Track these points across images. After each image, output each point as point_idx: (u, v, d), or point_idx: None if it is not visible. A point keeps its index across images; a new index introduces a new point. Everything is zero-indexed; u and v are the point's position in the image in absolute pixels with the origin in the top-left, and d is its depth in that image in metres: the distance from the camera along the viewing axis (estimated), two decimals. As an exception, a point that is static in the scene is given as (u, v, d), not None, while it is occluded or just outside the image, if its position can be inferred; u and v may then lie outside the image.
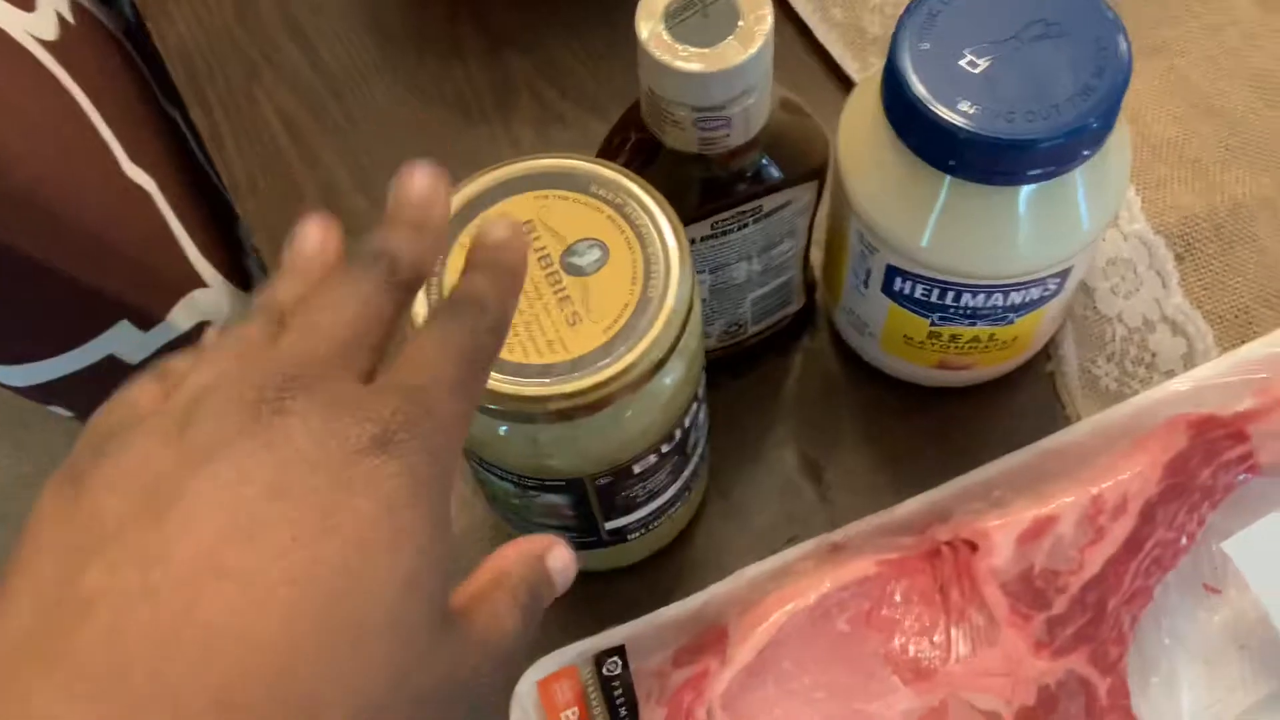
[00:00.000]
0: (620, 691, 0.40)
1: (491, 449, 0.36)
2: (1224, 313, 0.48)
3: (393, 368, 0.24)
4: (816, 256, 0.50)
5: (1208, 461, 0.40)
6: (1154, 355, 0.48)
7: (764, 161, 0.39)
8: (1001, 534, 0.40)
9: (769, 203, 0.41)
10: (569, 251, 0.34)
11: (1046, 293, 0.41)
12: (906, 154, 0.38)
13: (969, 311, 0.42)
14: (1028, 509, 0.40)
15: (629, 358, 0.32)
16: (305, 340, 0.23)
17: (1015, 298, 0.41)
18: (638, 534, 0.42)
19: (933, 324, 0.43)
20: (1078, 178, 0.38)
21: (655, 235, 0.34)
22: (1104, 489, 0.40)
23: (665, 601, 0.45)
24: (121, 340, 0.51)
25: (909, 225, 0.40)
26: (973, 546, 0.40)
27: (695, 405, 0.38)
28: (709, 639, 0.40)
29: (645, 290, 0.33)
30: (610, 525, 0.41)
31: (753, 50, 0.35)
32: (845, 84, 0.56)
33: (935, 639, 0.39)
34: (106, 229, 0.49)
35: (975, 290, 0.40)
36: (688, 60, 0.34)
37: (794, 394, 0.50)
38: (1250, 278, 0.49)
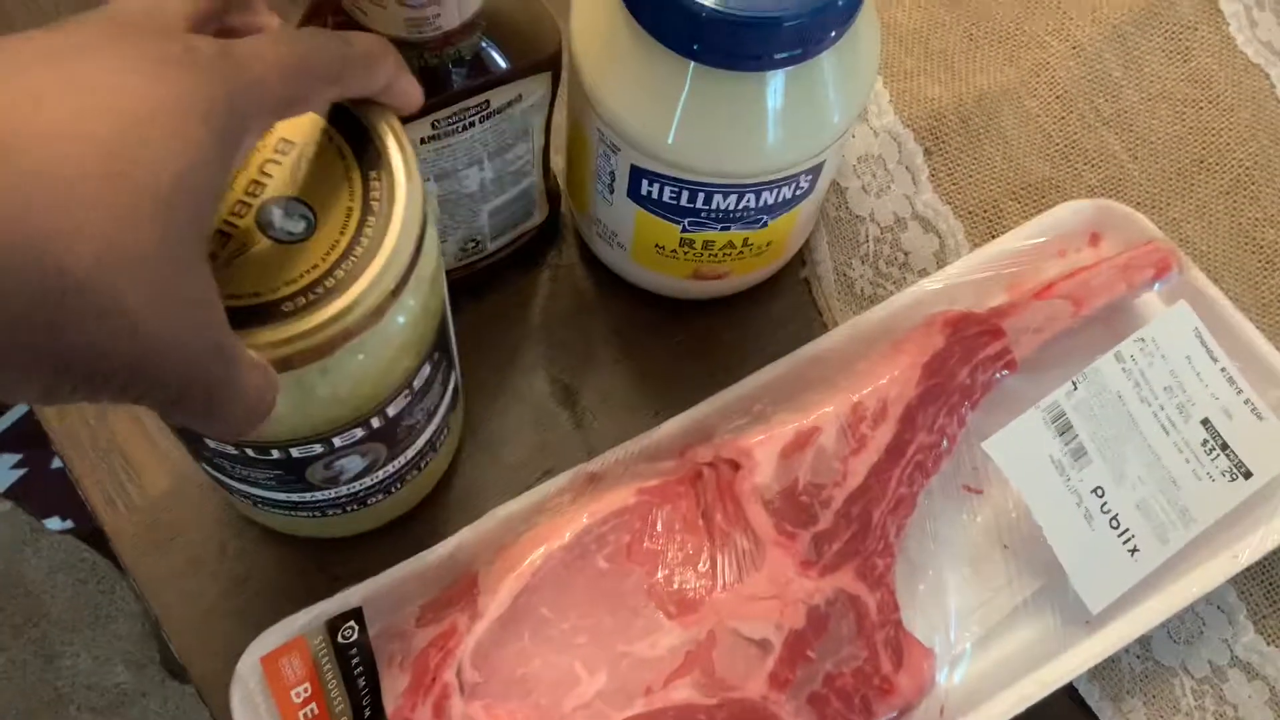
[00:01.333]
0: (358, 659, 0.35)
1: None
2: (973, 207, 0.47)
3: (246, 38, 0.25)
4: (559, 164, 0.46)
5: (966, 360, 0.39)
6: (907, 254, 0.46)
7: (484, 46, 0.35)
8: (763, 450, 0.37)
9: (496, 98, 0.36)
10: (278, 204, 0.28)
11: (800, 191, 0.39)
12: (646, 40, 0.35)
13: (721, 214, 0.39)
14: (789, 421, 0.38)
15: (353, 291, 0.27)
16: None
17: (768, 197, 0.38)
18: (398, 484, 0.38)
19: (684, 229, 0.40)
20: (826, 65, 0.35)
21: (375, 146, 0.29)
22: (864, 395, 0.38)
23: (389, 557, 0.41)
24: None
25: (652, 119, 0.36)
26: (735, 465, 0.37)
27: (446, 319, 0.34)
28: (457, 592, 0.36)
29: (364, 214, 0.28)
30: (347, 489, 0.36)
31: None
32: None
33: (700, 567, 0.36)
34: None
35: (726, 191, 0.37)
36: None
37: (542, 315, 0.46)
38: (997, 171, 0.48)
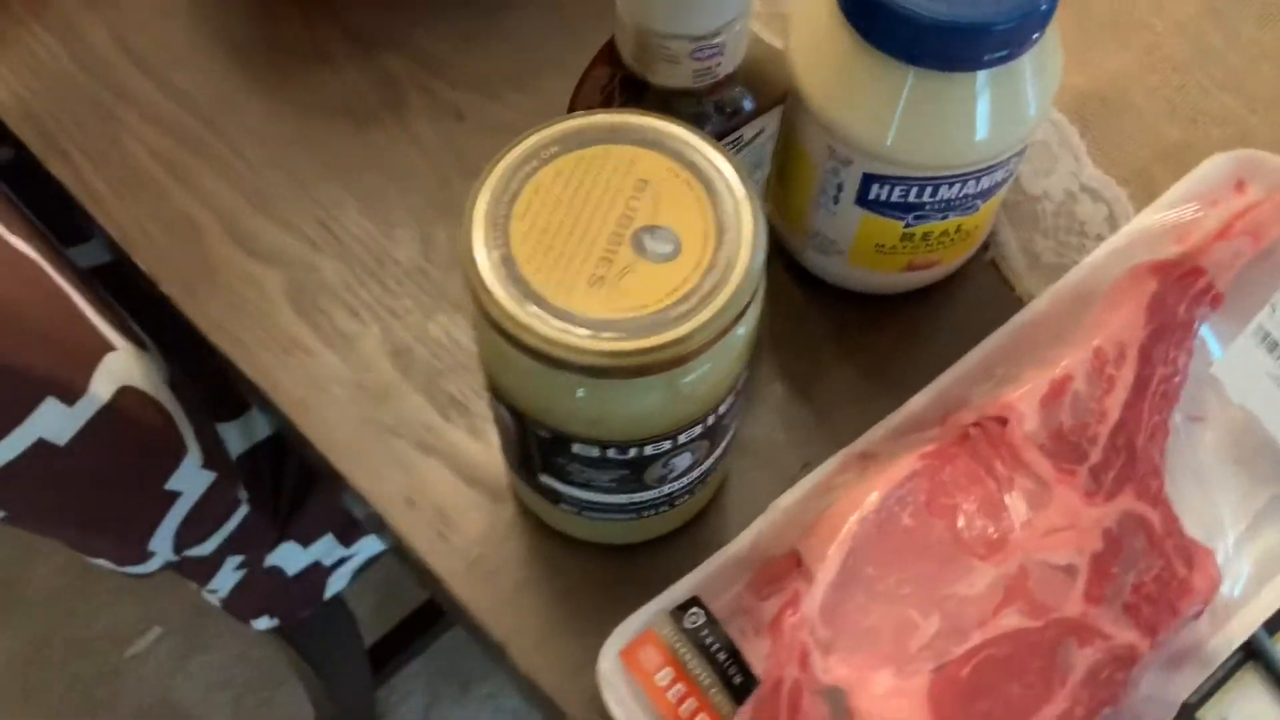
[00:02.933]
0: (712, 639, 0.39)
1: (580, 413, 0.35)
2: (1128, 175, 0.52)
3: None
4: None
5: (1180, 298, 0.44)
6: (1082, 224, 0.51)
7: (743, 88, 0.40)
8: (1025, 403, 0.42)
9: (748, 131, 0.41)
10: (647, 231, 0.33)
11: (1007, 175, 0.44)
12: (869, 54, 0.40)
13: (943, 205, 0.43)
14: (1039, 376, 0.43)
15: (722, 297, 0.32)
16: None
17: (985, 182, 0.43)
18: (701, 485, 0.42)
19: (906, 225, 0.44)
20: (1025, 60, 0.41)
21: (714, 175, 0.34)
22: (1101, 341, 0.43)
23: (699, 562, 0.45)
24: (49, 420, 0.46)
25: (881, 127, 0.41)
26: (1001, 421, 0.42)
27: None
28: (782, 567, 0.40)
29: (720, 232, 0.33)
30: (670, 487, 0.40)
31: None
32: None
33: (995, 512, 0.40)
34: (9, 302, 0.44)
35: (951, 181, 0.42)
36: None
37: (767, 330, 0.50)
38: (1140, 141, 0.53)
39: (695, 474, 0.40)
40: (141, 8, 0.57)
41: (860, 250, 0.46)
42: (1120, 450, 0.41)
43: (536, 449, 0.38)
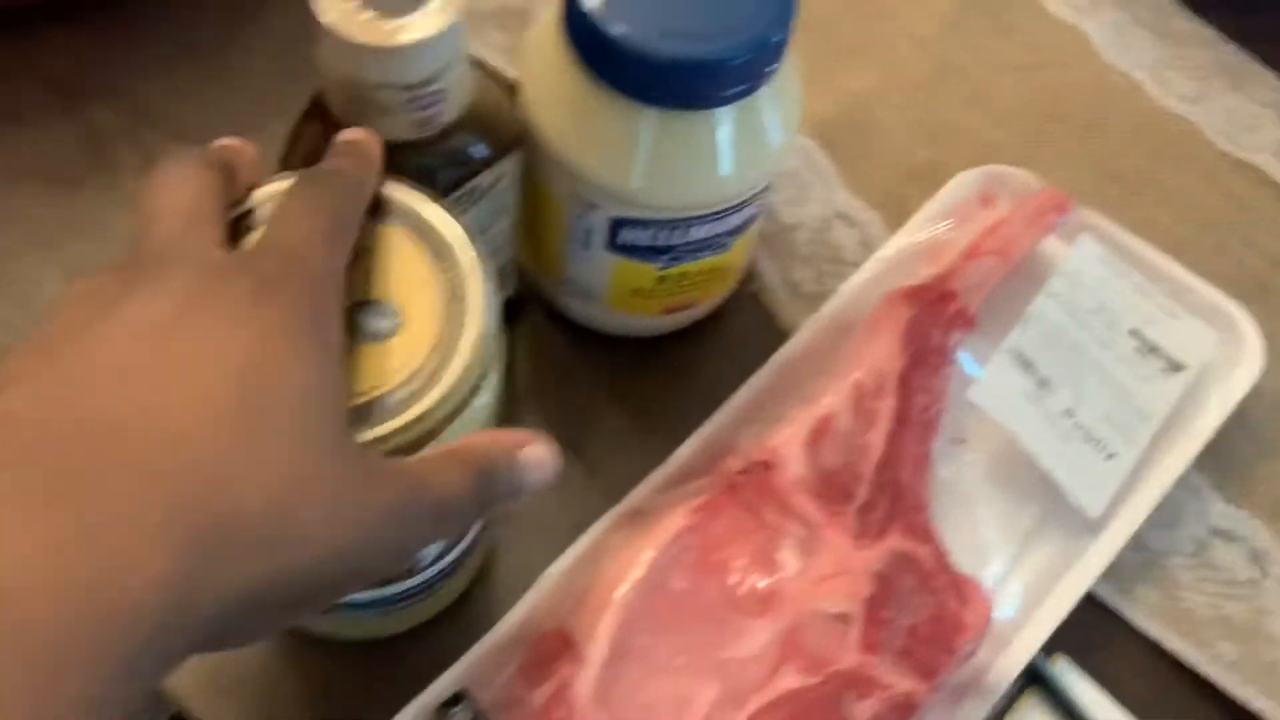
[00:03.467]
0: (479, 737, 0.36)
1: None
2: (880, 198, 0.52)
3: (265, 231, 0.27)
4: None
5: (934, 324, 0.43)
6: (838, 250, 0.50)
7: (473, 135, 0.37)
8: (789, 446, 0.40)
9: (486, 179, 0.38)
10: (362, 309, 0.30)
11: (756, 210, 0.43)
12: (604, 94, 0.38)
13: (696, 245, 0.42)
14: (803, 415, 0.41)
15: (453, 371, 0.29)
16: (158, 225, 0.26)
17: (735, 219, 0.42)
18: (443, 582, 0.39)
19: (661, 267, 0.43)
20: (764, 92, 0.39)
21: (455, 256, 0.31)
22: (860, 375, 0.42)
23: (453, 641, 0.42)
24: None
25: (623, 169, 0.39)
26: (767, 466, 0.40)
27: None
28: (551, 648, 0.38)
29: (447, 318, 0.30)
30: (423, 576, 0.37)
31: (456, 8, 0.32)
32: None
33: (766, 565, 0.39)
34: None
35: (702, 221, 0.41)
36: (393, 34, 0.31)
37: (530, 383, 0.48)
38: (889, 161, 0.53)
39: (449, 558, 0.37)
40: None
41: (617, 296, 0.44)
42: (886, 487, 0.40)
43: None
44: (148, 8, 0.53)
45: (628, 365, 0.48)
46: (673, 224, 0.41)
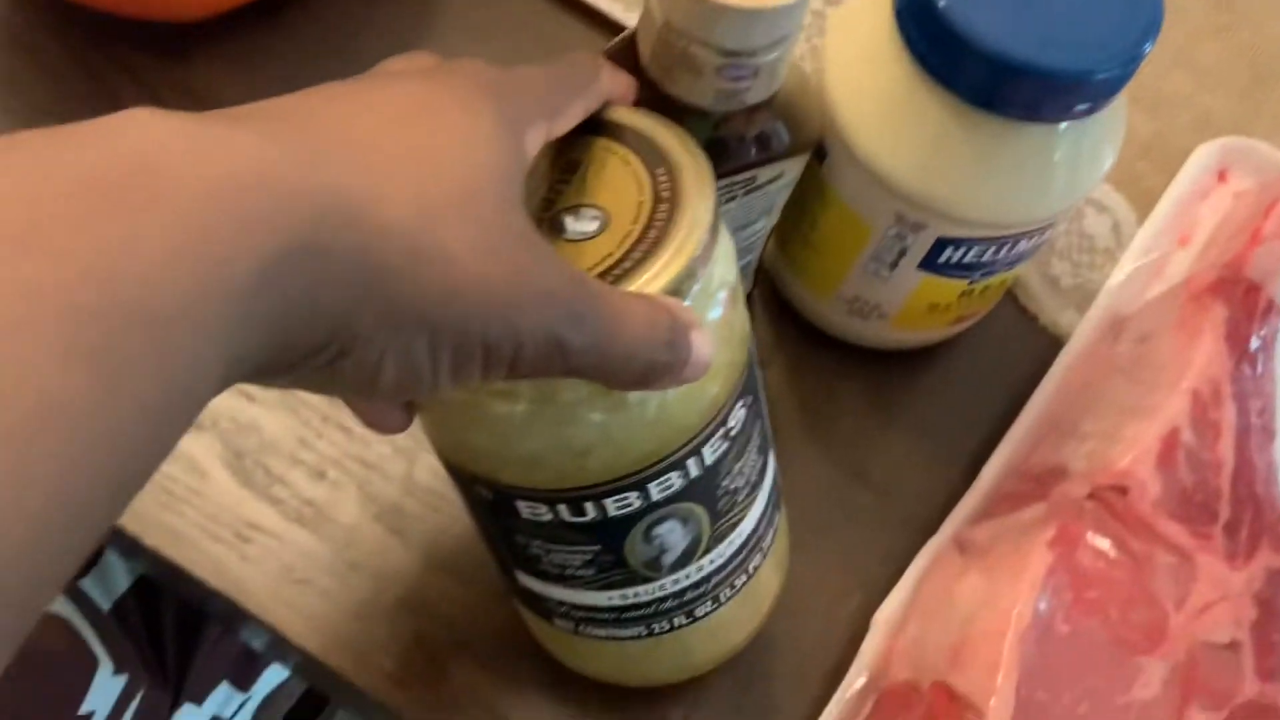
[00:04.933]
0: (885, 814, 0.34)
1: (508, 450, 0.29)
2: (1120, 178, 0.49)
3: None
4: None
5: (1249, 320, 0.41)
6: (1092, 238, 0.48)
7: (773, 125, 0.34)
8: (1142, 466, 0.38)
9: (764, 174, 0.35)
10: (568, 213, 0.28)
11: (1068, 214, 0.40)
12: (951, 105, 0.34)
13: (1016, 258, 0.39)
14: (1137, 430, 0.39)
15: (650, 269, 0.26)
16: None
17: (1053, 232, 0.39)
18: (728, 590, 0.34)
19: (970, 283, 0.40)
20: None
21: (654, 145, 0.29)
22: (1193, 383, 0.40)
23: (771, 693, 0.40)
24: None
25: (967, 186, 0.36)
26: (1121, 490, 0.38)
27: (753, 357, 0.32)
28: (934, 703, 0.35)
29: (655, 202, 0.28)
30: (675, 579, 0.33)
31: None
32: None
33: (1146, 597, 0.37)
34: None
35: (1030, 234, 0.38)
36: None
37: (794, 404, 0.45)
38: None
39: (706, 567, 0.33)
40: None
41: (910, 313, 0.41)
42: (1245, 501, 0.38)
43: (491, 524, 0.32)
44: (309, 19, 0.48)
45: (896, 380, 0.45)
46: (1001, 241, 0.38)
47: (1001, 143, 0.35)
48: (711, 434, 0.30)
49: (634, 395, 0.27)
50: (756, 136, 0.34)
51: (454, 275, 0.21)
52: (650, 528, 0.30)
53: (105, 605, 0.55)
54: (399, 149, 0.22)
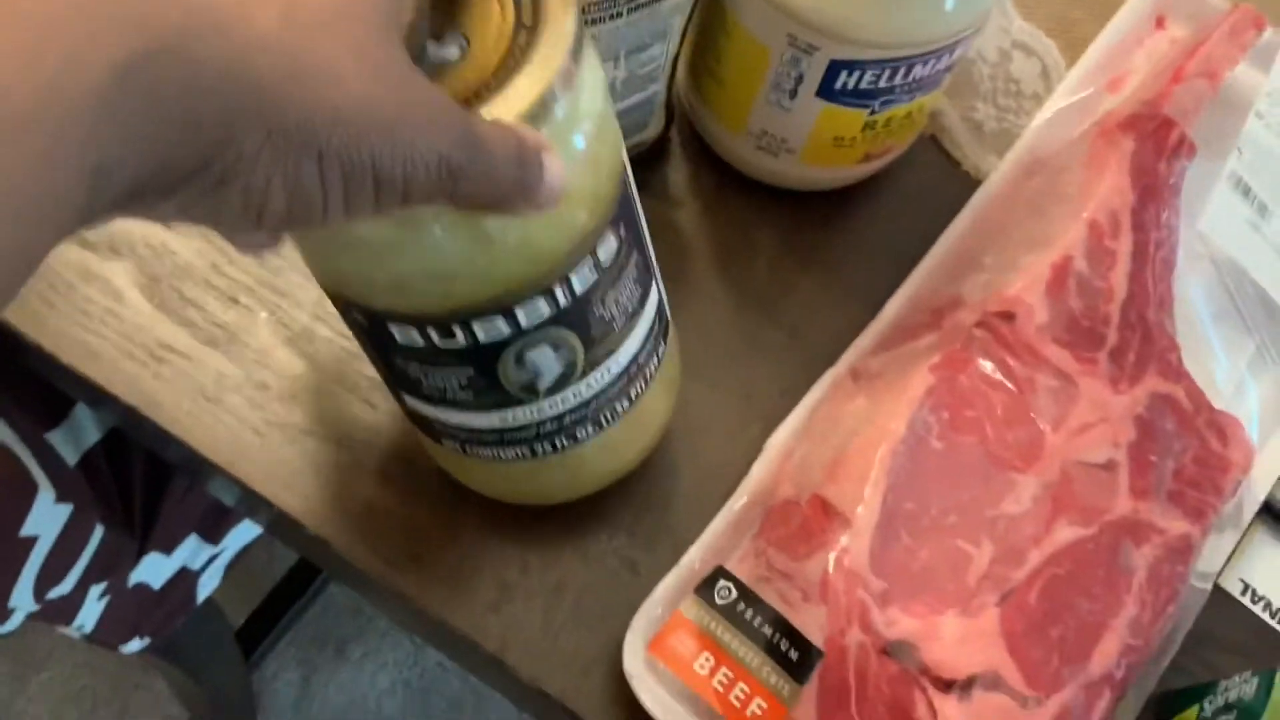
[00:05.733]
0: (752, 612, 0.35)
1: (376, 274, 0.29)
2: (1051, 24, 0.49)
3: None
4: (680, 80, 0.45)
5: (1159, 154, 0.41)
6: (1018, 82, 0.48)
7: None
8: (1030, 293, 0.38)
9: None
10: (421, 43, 0.27)
11: (971, 42, 0.40)
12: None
13: (912, 86, 0.39)
14: (1033, 261, 0.39)
15: (506, 96, 0.26)
16: None
17: (956, 53, 0.39)
18: (609, 414, 0.35)
19: (871, 112, 0.40)
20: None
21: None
22: (1093, 213, 0.40)
23: (668, 514, 0.41)
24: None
25: (859, 5, 0.36)
26: (1008, 316, 0.38)
27: (628, 190, 0.32)
28: (809, 515, 0.36)
29: (516, 30, 0.27)
30: (584, 386, 0.33)
31: None
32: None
33: (1023, 417, 0.37)
34: None
35: (925, 58, 0.38)
36: None
37: (710, 244, 0.45)
38: (1056, -15, 0.50)
39: (583, 391, 0.34)
40: None
41: (815, 147, 0.42)
42: (1134, 327, 0.38)
43: (371, 349, 0.33)
44: None
45: (813, 222, 0.46)
46: (894, 63, 0.37)
47: (891, -41, 0.35)
48: (579, 262, 0.30)
49: (494, 221, 0.27)
50: None
51: (339, 96, 0.21)
52: (521, 352, 0.31)
53: (73, 459, 0.57)
54: None
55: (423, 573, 0.39)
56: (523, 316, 0.30)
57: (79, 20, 0.18)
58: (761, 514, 0.39)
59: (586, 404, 0.34)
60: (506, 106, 0.26)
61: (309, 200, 0.21)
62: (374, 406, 0.41)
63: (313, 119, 0.20)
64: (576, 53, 0.27)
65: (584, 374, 0.33)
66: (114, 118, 0.18)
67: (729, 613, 0.35)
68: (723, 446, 0.42)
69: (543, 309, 0.30)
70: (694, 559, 0.37)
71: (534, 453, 0.35)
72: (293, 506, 0.39)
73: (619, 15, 0.36)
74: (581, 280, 0.30)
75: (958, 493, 0.36)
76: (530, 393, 0.32)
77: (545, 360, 0.32)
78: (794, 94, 0.39)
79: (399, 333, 0.30)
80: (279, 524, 0.41)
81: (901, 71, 0.38)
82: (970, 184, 0.46)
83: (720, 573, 0.36)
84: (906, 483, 0.36)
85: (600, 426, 0.35)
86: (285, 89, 0.20)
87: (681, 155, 0.46)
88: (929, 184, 0.47)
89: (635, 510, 0.41)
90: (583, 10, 0.34)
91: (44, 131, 0.17)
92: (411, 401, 0.34)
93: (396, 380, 0.34)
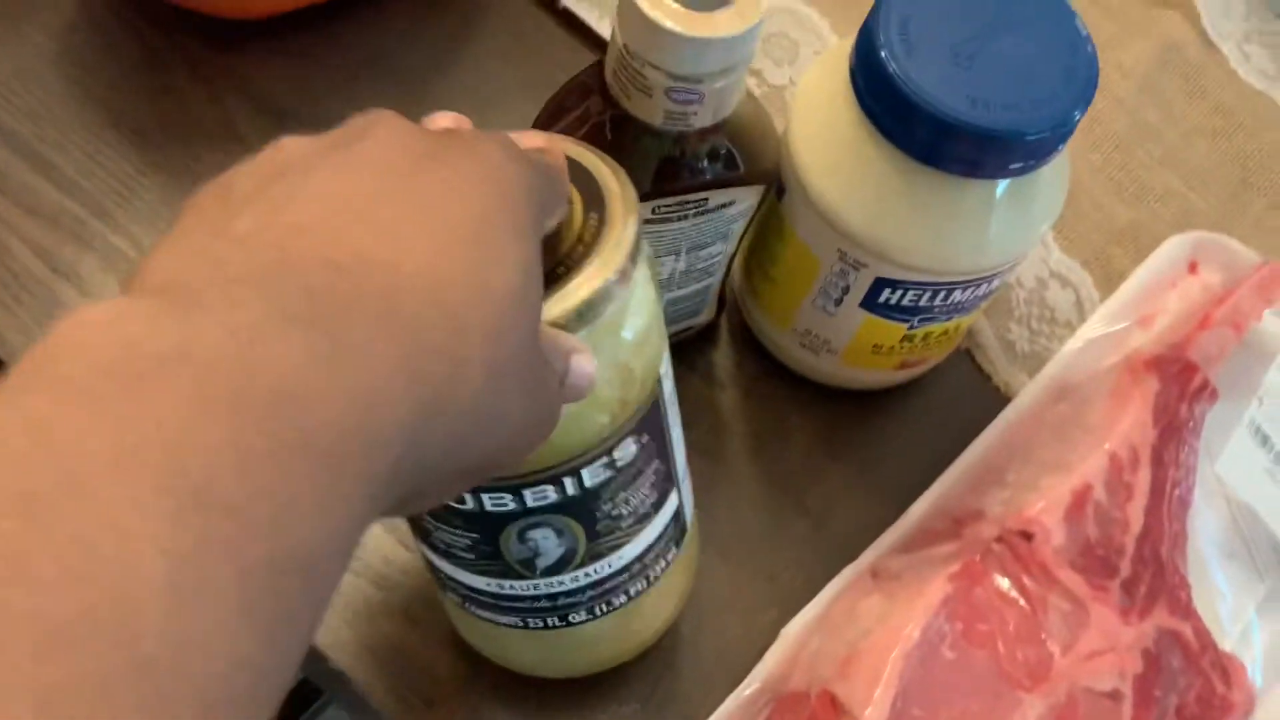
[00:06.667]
0: (753, 802, 0.36)
1: None
2: (1088, 258, 0.52)
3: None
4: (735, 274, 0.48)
5: (1181, 396, 0.43)
6: (1052, 310, 0.50)
7: (724, 151, 0.37)
8: (1049, 516, 0.40)
9: (716, 198, 0.38)
10: None
11: (1009, 274, 0.42)
12: (897, 157, 0.37)
13: (952, 307, 0.41)
14: (1054, 484, 0.41)
15: (581, 275, 0.28)
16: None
17: (995, 283, 0.41)
18: (604, 606, 0.36)
19: (910, 327, 0.42)
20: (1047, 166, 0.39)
21: (599, 188, 0.30)
22: (1114, 446, 0.41)
23: (680, 685, 0.42)
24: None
25: (906, 232, 0.38)
26: (1026, 536, 0.40)
27: (660, 401, 0.33)
28: (817, 710, 0.37)
29: (576, 242, 0.29)
30: (581, 574, 0.34)
31: (750, 24, 0.33)
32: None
33: (1034, 637, 0.38)
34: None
35: (965, 285, 0.40)
36: (676, 20, 0.32)
37: (746, 430, 0.47)
38: (1094, 222, 0.53)
39: (581, 579, 0.34)
40: (17, 87, 0.49)
41: (856, 351, 0.44)
42: (1148, 561, 0.40)
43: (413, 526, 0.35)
44: (358, 28, 0.53)
45: (847, 418, 0.48)
46: (936, 287, 0.40)
47: (940, 196, 0.38)
48: (592, 460, 0.31)
49: None
50: (708, 158, 0.37)
51: (504, 437, 0.23)
52: (525, 530, 0.32)
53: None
54: (471, 290, 0.22)
55: (435, 718, 0.40)
56: (529, 497, 0.31)
57: (360, 451, 0.19)
58: (772, 701, 0.39)
59: (582, 590, 0.35)
60: (559, 303, 0.27)
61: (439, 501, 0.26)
62: (408, 548, 0.43)
63: (487, 461, 0.24)
64: (633, 259, 0.29)
65: (583, 564, 0.34)
66: (398, 463, 0.20)
67: (730, 800, 0.36)
68: (740, 625, 0.43)
69: (549, 494, 0.31)
70: (700, 739, 0.38)
71: (526, 624, 0.36)
72: (320, 637, 0.41)
73: (685, 217, 0.39)
74: (592, 476, 0.31)
75: (966, 704, 0.37)
76: (529, 569, 0.34)
77: (547, 542, 0.33)
78: (839, 302, 0.42)
79: None
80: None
81: (942, 294, 0.40)
82: (1000, 399, 0.48)
83: (725, 759, 0.37)
84: (917, 689, 0.37)
85: (594, 615, 0.36)
86: (474, 439, 0.22)
87: (729, 341, 0.49)
88: (960, 394, 0.49)
89: (649, 682, 0.42)
90: (654, 210, 0.38)
91: (331, 573, 0.18)
92: (424, 548, 0.36)
93: (413, 525, 0.35)
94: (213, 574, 0.16)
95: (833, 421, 0.48)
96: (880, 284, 0.40)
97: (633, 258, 0.29)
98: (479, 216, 0.23)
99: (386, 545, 0.43)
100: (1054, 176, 0.40)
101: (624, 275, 0.29)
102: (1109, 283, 0.51)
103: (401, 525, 0.43)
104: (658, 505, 0.35)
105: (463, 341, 0.21)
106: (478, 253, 0.22)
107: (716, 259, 0.42)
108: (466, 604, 0.36)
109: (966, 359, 0.50)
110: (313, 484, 0.17)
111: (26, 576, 0.14)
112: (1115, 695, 0.38)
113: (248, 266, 0.19)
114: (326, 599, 0.18)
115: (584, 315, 0.28)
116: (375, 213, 0.21)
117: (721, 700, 0.40)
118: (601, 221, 0.29)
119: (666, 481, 0.35)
